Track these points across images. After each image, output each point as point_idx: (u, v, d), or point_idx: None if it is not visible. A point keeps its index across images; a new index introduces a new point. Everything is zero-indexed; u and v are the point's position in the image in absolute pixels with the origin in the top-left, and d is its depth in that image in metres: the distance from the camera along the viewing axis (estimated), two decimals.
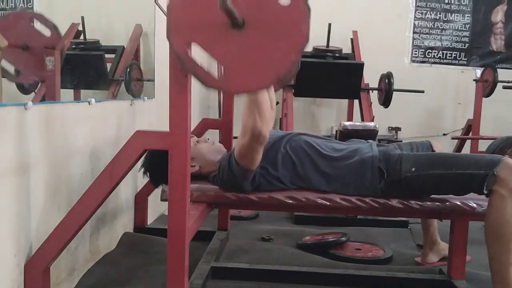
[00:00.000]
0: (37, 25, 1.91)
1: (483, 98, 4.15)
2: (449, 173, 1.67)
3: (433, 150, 2.10)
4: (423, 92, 4.13)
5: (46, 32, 1.90)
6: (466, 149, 4.32)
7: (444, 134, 4.78)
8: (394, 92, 3.94)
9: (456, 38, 4.82)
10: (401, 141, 2.57)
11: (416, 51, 4.82)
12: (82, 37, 2.27)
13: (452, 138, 4.45)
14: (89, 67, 2.39)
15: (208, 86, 1.29)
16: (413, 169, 1.71)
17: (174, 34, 1.23)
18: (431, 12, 4.78)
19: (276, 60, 1.21)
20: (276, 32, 1.20)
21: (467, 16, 4.78)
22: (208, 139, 1.98)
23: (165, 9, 1.28)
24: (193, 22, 1.22)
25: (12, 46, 1.78)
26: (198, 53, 1.24)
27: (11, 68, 1.86)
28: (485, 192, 1.62)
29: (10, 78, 1.84)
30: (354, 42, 4.35)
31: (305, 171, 1.82)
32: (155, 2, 1.33)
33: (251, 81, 1.24)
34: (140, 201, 2.56)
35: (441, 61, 4.84)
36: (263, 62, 1.21)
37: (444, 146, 2.23)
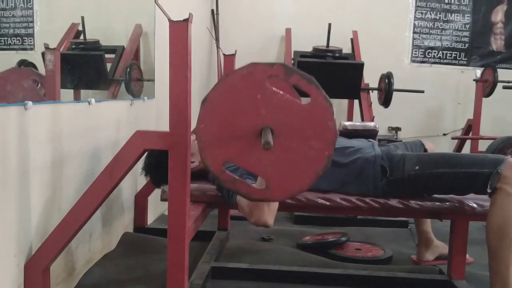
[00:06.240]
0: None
1: (483, 98, 4.14)
2: (453, 172, 1.67)
3: (425, 149, 2.11)
4: (423, 92, 4.13)
5: None
6: (466, 149, 4.31)
7: (444, 134, 4.77)
8: (394, 92, 3.93)
9: (456, 38, 4.81)
10: (401, 141, 2.57)
11: (416, 51, 4.81)
12: (82, 37, 2.27)
13: (452, 138, 4.44)
14: (89, 67, 2.39)
15: (253, 199, 1.33)
16: (417, 167, 1.71)
17: (209, 157, 1.25)
18: (431, 12, 4.77)
19: (312, 159, 1.24)
20: (306, 133, 1.22)
21: (467, 16, 4.77)
22: None
23: (165, 9, 1.28)
24: (224, 142, 1.24)
25: None
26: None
27: None
28: (489, 191, 1.60)
29: None
30: (354, 42, 4.34)
31: None
32: (155, 2, 1.33)
33: (293, 186, 1.27)
34: (140, 201, 2.56)
35: (441, 61, 4.83)
36: (300, 165, 1.24)
37: (444, 146, 2.23)
